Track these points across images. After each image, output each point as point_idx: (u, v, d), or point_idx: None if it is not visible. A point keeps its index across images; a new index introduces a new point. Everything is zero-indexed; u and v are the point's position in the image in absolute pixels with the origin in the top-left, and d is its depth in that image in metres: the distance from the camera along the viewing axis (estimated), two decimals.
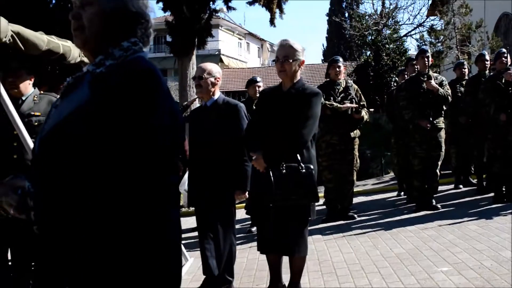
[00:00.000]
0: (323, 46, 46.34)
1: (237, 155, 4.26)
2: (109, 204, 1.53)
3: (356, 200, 8.44)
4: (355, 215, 7.14)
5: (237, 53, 44.00)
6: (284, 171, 3.60)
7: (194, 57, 13.61)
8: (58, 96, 4.21)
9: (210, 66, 4.45)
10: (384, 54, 18.49)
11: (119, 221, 1.53)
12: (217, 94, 4.45)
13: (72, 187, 1.55)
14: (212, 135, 4.31)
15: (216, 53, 40.42)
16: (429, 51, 7.24)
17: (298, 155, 3.67)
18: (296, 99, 3.77)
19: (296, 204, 3.70)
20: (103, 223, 1.53)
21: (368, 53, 20.31)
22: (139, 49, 1.75)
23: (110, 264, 1.53)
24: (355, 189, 9.45)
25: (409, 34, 19.14)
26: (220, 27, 40.75)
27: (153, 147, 1.57)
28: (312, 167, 3.69)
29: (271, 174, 3.57)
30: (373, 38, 19.01)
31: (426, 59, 6.97)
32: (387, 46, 18.62)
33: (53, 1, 12.34)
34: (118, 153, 1.53)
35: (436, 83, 6.96)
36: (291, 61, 3.82)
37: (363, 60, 20.55)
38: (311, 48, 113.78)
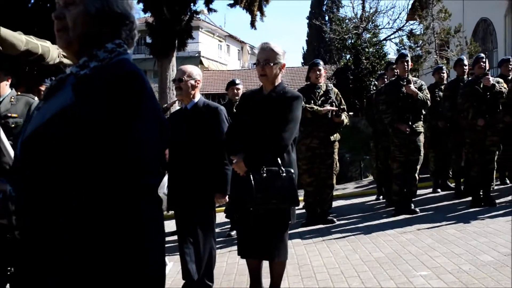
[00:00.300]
0: (303, 49, 46.63)
1: (218, 159, 4.25)
2: (92, 205, 1.52)
3: (335, 203, 8.47)
4: (335, 219, 7.18)
5: (217, 55, 43.95)
6: (264, 174, 3.60)
7: (174, 59, 13.57)
8: (35, 97, 4.15)
9: (190, 68, 4.43)
10: (363, 57, 18.66)
11: (102, 223, 1.53)
12: (198, 97, 4.43)
13: (55, 190, 1.54)
14: (192, 138, 4.29)
15: (196, 55, 40.30)
16: (408, 55, 7.32)
17: (278, 158, 3.67)
18: (277, 103, 3.77)
19: (277, 208, 3.70)
20: (87, 225, 1.52)
21: (348, 56, 20.49)
22: (124, 51, 1.74)
23: (94, 265, 1.52)
24: (335, 193, 9.50)
25: (389, 38, 19.34)
26: (200, 29, 40.64)
27: (138, 150, 1.56)
28: (292, 171, 3.70)
29: (251, 177, 3.57)
30: (353, 41, 19.18)
31: (405, 64, 7.04)
32: (366, 49, 18.80)
33: (32, 1, 12.20)
34: (102, 156, 1.52)
35: (416, 87, 7.04)
36: (272, 64, 3.83)
37: (342, 63, 20.76)
38: (292, 51, 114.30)
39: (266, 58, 3.84)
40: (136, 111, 1.56)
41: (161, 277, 1.71)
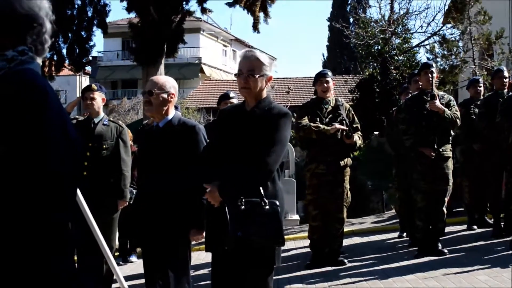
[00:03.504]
0: (324, 56, 46.82)
1: (193, 187, 4.23)
2: None
3: (349, 241, 8.43)
4: (346, 260, 7.13)
5: (221, 62, 44.23)
6: (243, 207, 3.57)
7: (162, 66, 13.65)
8: None
9: (163, 79, 4.46)
10: (392, 67, 18.63)
11: None
12: (172, 113, 4.45)
13: None
14: (164, 161, 4.30)
15: (196, 61, 40.60)
16: (433, 65, 7.29)
17: (261, 188, 3.65)
18: (261, 121, 3.77)
19: (258, 248, 3.67)
20: None
21: (374, 65, 20.45)
22: (29, 59, 1.74)
23: None
24: (349, 228, 9.49)
25: (422, 44, 19.26)
26: (201, 32, 40.97)
27: (36, 176, 1.55)
28: (277, 203, 3.66)
29: (226, 210, 3.55)
30: (379, 48, 19.15)
31: (430, 75, 7.00)
32: (395, 57, 18.76)
33: None
34: None
35: (442, 104, 7.00)
36: (256, 76, 3.82)
37: (367, 73, 20.69)
38: (310, 59, 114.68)
39: (250, 68, 3.84)
40: (33, 130, 1.56)
41: None
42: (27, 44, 1.77)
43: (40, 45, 1.80)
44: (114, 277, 5.83)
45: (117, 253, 8.49)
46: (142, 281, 6.85)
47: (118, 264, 7.30)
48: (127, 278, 6.69)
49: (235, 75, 3.97)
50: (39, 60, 1.80)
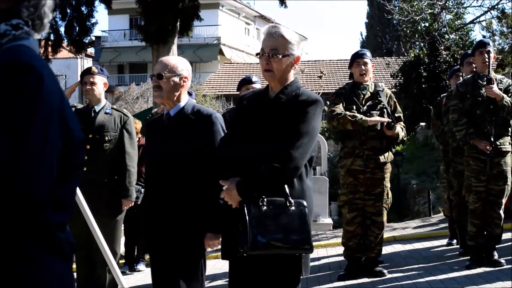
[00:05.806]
0: (362, 35, 46.72)
1: (209, 185, 4.24)
2: None
3: (389, 249, 8.40)
4: (385, 271, 7.13)
5: (243, 42, 44.25)
6: (264, 207, 3.57)
7: (174, 47, 13.66)
8: None
9: (174, 60, 4.47)
10: (442, 47, 18.51)
11: None
12: (185, 100, 4.45)
13: None
14: (175, 155, 4.31)
15: (215, 42, 40.69)
16: (490, 44, 7.22)
17: (286, 186, 3.65)
18: (286, 109, 3.76)
19: (282, 256, 3.67)
20: None
21: (421, 45, 20.36)
22: (23, 34, 1.74)
23: None
24: (390, 234, 9.46)
25: (478, 20, 19.13)
26: (220, 7, 41.03)
27: (24, 175, 1.57)
28: (305, 203, 3.66)
29: (245, 211, 3.55)
30: (427, 25, 19.06)
31: (486, 55, 6.94)
32: (446, 36, 18.64)
33: None
34: None
35: (501, 89, 6.93)
36: (281, 56, 3.81)
37: (413, 55, 20.63)
38: (346, 38, 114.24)
39: (274, 46, 3.82)
40: (21, 119, 1.57)
41: None
42: (23, 18, 1.75)
43: (38, 19, 1.79)
44: None
45: (122, 261, 8.56)
46: None
47: (124, 273, 7.35)
48: None
49: (257, 54, 3.96)
50: (37, 37, 1.79)
